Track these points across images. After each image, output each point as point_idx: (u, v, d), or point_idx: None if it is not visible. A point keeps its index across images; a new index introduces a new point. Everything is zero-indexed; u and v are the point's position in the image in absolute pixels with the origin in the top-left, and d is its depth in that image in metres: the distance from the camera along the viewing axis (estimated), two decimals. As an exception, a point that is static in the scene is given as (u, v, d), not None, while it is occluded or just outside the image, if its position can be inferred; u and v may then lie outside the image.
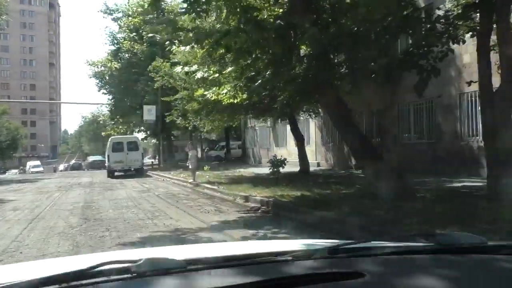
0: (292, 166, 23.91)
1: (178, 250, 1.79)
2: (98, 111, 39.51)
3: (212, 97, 10.29)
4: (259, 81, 9.96)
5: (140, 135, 32.23)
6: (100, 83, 30.40)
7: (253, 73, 9.99)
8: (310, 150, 23.68)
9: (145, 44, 29.32)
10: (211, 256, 1.28)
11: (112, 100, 31.16)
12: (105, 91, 31.00)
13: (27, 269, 1.39)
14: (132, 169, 23.40)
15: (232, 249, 1.67)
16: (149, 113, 28.16)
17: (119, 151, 23.01)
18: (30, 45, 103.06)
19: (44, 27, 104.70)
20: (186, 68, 10.14)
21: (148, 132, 33.13)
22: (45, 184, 19.86)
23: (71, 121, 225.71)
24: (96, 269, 1.01)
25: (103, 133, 38.41)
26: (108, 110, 32.46)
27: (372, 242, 1.48)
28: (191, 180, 15.18)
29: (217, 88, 10.52)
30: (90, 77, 30.36)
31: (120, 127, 32.09)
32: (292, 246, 1.47)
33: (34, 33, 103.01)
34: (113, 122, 32.38)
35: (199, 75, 9.67)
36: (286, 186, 11.99)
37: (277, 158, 14.34)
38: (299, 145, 17.46)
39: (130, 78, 29.08)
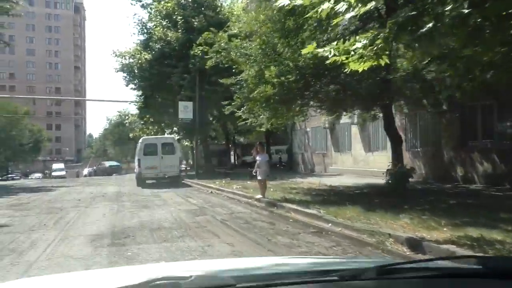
0: (363, 176, 19.20)
1: (227, 264, 1.87)
2: (125, 111, 35.56)
3: (330, 56, 5.79)
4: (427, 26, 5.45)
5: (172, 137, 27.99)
6: (128, 77, 26.36)
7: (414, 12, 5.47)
8: (387, 157, 18.93)
9: (179, 31, 25.19)
10: (258, 273, 1.32)
11: (142, 97, 27.06)
12: (133, 86, 26.91)
13: (72, 281, 1.45)
14: (167, 176, 19.08)
15: (278, 265, 1.66)
16: (185, 110, 23.91)
17: (152, 154, 18.73)
18: (56, 49, 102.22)
19: (69, 30, 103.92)
20: (299, 1, 5.62)
21: (181, 134, 28.89)
22: (61, 194, 15.71)
23: (96, 125, 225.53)
24: (149, 285, 1.04)
25: (130, 135, 34.49)
26: (137, 108, 28.38)
27: (421, 262, 1.46)
28: (259, 196, 10.67)
29: (341, 42, 6.00)
30: (117, 71, 26.41)
31: (151, 127, 27.93)
32: (339, 264, 1.48)
33: (59, 37, 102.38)
34: (142, 122, 28.24)
35: (325, 6, 5.13)
36: (421, 210, 7.57)
37: (401, 166, 9.85)
38: (395, 149, 12.70)
39: (162, 70, 24.93)
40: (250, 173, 21.25)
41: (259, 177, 10.62)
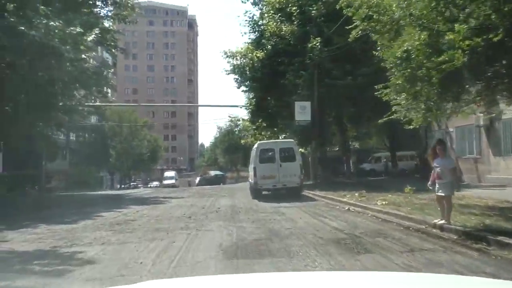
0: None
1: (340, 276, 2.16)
2: (236, 116, 33.51)
3: None
4: None
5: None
6: (239, 79, 24.46)
7: None
8: None
9: (294, 23, 22.49)
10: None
11: (253, 100, 24.90)
12: (245, 88, 24.89)
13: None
14: (287, 187, 16.20)
15: (398, 282, 1.68)
16: (303, 111, 21.02)
17: (269, 161, 16.05)
18: (172, 64, 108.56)
19: (184, 46, 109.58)
20: None
21: (296, 138, 25.99)
22: (171, 209, 13.80)
23: (207, 135, 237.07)
24: None
25: (242, 141, 32.75)
26: (248, 112, 26.22)
27: None
28: (441, 221, 7.08)
29: None
30: (228, 73, 24.69)
31: (263, 133, 25.60)
32: (472, 284, 1.41)
33: (174, 52, 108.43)
34: (254, 127, 26.01)
35: None
36: None
37: None
38: None
39: (275, 69, 22.48)
40: (375, 183, 17.28)
41: (440, 193, 7.02)
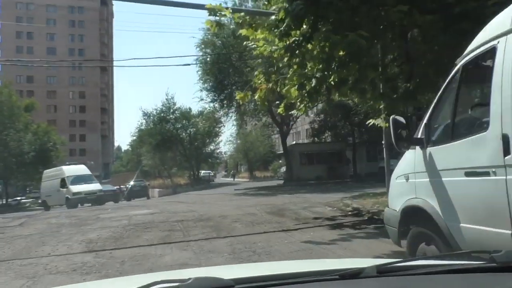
0: None
1: (226, 270, 1.97)
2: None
3: None
4: None
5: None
6: None
7: None
8: None
9: None
10: (258, 275, 1.29)
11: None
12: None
13: None
14: None
15: (279, 268, 1.67)
16: None
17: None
18: (80, 46, 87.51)
19: (95, 25, 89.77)
20: None
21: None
22: None
23: (125, 136, 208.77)
24: None
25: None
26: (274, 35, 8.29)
27: (423, 260, 1.44)
28: None
29: None
30: None
31: (310, 66, 9.18)
32: (339, 265, 1.43)
33: (84, 33, 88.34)
34: (285, 45, 9.15)
35: None
36: None
37: None
38: None
39: None
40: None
41: None
